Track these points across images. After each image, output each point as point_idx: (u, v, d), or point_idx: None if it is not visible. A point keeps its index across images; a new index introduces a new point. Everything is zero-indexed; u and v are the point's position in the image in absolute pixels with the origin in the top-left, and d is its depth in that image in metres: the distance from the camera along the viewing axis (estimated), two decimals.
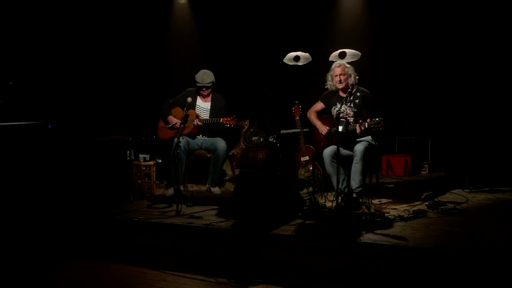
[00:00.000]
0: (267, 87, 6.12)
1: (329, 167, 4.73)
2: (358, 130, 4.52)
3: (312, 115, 5.11)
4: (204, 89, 5.57)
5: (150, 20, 7.75)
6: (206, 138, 5.63)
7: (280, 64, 6.19)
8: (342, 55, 5.53)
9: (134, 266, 3.96)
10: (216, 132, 5.61)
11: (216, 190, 5.57)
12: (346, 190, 4.77)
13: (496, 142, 5.61)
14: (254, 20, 7.37)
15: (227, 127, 5.37)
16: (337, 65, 4.86)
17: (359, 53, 5.59)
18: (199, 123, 5.44)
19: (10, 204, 4.77)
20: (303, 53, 5.92)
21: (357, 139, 4.75)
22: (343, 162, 4.74)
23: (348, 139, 4.75)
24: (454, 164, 5.73)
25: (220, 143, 5.48)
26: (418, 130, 6.99)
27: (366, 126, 4.44)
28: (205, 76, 5.54)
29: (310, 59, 5.99)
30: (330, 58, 5.74)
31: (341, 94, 4.90)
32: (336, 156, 4.42)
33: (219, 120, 5.36)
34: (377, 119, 4.37)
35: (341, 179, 4.75)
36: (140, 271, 3.87)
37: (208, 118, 5.56)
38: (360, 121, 4.53)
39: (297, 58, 5.90)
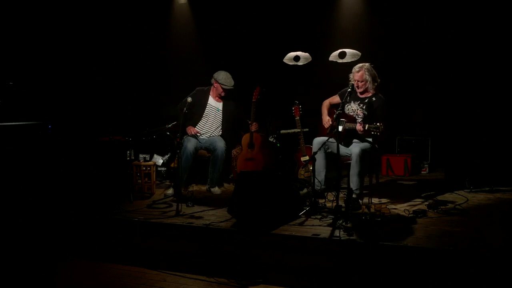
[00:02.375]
0: (267, 87, 6.12)
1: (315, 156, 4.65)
2: (358, 128, 4.55)
3: (324, 106, 5.10)
4: (227, 91, 5.63)
5: (150, 20, 7.74)
6: (206, 138, 5.64)
7: (280, 64, 6.19)
8: (342, 55, 5.54)
9: (134, 266, 3.96)
10: None
11: (216, 190, 5.56)
12: (323, 188, 4.81)
13: (496, 142, 5.60)
14: (254, 20, 7.37)
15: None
16: (357, 70, 4.80)
17: (359, 53, 5.60)
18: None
19: (10, 204, 4.77)
20: (303, 53, 5.93)
21: (356, 140, 4.76)
22: (333, 160, 4.77)
23: (348, 138, 4.75)
24: (454, 164, 5.73)
25: (219, 143, 5.47)
26: (418, 130, 6.99)
27: (366, 128, 4.47)
28: (230, 79, 5.61)
29: (310, 59, 5.99)
30: (330, 58, 5.75)
31: (359, 94, 4.91)
32: (326, 150, 4.59)
33: None
34: (377, 123, 4.38)
35: (322, 176, 4.81)
36: (140, 271, 3.87)
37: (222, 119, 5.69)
38: (366, 124, 4.54)
39: (297, 58, 5.91)
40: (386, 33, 6.81)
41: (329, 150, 4.80)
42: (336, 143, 4.21)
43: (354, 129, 4.62)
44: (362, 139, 4.79)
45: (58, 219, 4.57)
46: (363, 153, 4.60)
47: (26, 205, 4.79)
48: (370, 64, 4.83)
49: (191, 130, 5.48)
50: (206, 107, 5.63)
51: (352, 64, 4.96)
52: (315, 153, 4.57)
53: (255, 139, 5.75)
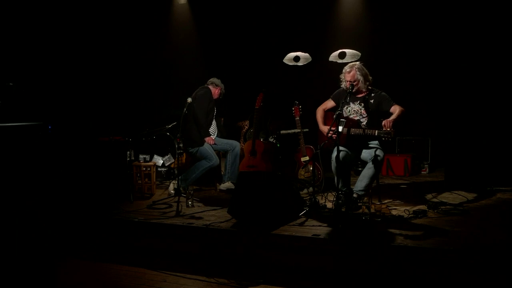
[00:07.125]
0: (267, 87, 6.13)
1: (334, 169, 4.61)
2: (373, 133, 4.49)
3: (318, 114, 4.98)
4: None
5: (150, 21, 7.75)
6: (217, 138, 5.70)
7: (280, 64, 6.20)
8: (342, 55, 5.54)
9: (134, 266, 3.96)
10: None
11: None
12: (346, 191, 4.75)
13: (496, 142, 5.60)
14: (254, 20, 7.38)
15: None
16: (348, 70, 4.69)
17: (359, 53, 5.60)
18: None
19: (10, 205, 4.77)
20: (303, 53, 5.94)
21: (369, 143, 4.71)
22: (350, 164, 4.76)
23: (358, 142, 4.68)
24: (454, 164, 5.72)
25: (236, 142, 5.71)
26: (418, 130, 6.99)
27: (376, 134, 4.43)
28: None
29: (310, 59, 6.00)
30: (330, 58, 5.76)
31: (355, 94, 4.79)
32: (343, 159, 4.44)
33: None
34: (388, 129, 4.34)
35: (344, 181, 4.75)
36: (140, 271, 3.87)
37: None
38: (376, 130, 4.50)
39: (297, 58, 5.92)
40: (386, 33, 6.81)
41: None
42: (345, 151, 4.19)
43: (361, 134, 4.56)
44: (368, 143, 4.71)
45: (58, 219, 4.56)
46: (381, 157, 4.55)
47: (26, 205, 4.79)
48: (361, 63, 4.75)
49: (210, 140, 5.54)
50: (214, 112, 5.72)
51: (365, 66, 4.88)
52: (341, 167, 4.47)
53: (257, 146, 5.72)
